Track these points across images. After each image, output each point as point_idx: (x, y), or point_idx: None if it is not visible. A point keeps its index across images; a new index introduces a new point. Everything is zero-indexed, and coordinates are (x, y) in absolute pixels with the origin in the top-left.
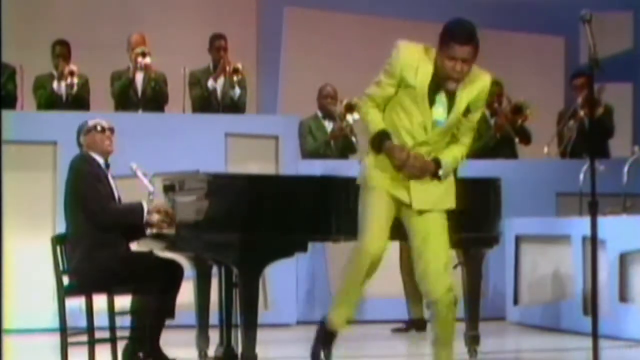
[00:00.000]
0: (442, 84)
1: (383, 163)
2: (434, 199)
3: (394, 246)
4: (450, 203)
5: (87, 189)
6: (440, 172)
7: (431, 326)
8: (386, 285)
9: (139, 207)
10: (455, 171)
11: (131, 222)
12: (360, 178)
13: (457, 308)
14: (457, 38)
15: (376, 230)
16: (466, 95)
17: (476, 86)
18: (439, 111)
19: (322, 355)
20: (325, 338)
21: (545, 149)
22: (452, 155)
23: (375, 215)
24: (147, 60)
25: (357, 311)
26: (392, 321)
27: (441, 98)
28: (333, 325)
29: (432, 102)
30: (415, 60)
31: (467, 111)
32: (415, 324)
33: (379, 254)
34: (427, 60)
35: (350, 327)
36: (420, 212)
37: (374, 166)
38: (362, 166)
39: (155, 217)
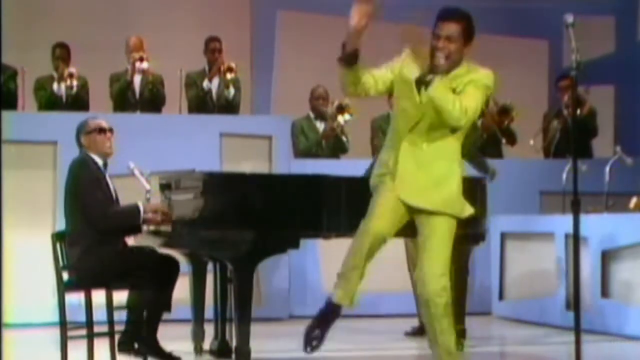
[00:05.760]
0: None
1: (388, 155)
2: (421, 192)
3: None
4: (456, 209)
5: (87, 196)
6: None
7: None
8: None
9: (135, 208)
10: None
11: (130, 223)
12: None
13: (447, 312)
14: (440, 16)
15: (380, 214)
16: (454, 80)
17: (468, 75)
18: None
19: (315, 333)
20: (327, 315)
21: (531, 142)
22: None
23: (381, 206)
24: (145, 65)
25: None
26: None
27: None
28: (338, 299)
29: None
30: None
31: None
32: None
33: (379, 235)
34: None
35: (354, 305)
36: (427, 216)
37: (382, 161)
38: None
39: (151, 215)
